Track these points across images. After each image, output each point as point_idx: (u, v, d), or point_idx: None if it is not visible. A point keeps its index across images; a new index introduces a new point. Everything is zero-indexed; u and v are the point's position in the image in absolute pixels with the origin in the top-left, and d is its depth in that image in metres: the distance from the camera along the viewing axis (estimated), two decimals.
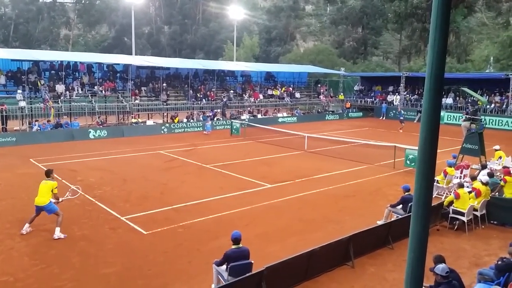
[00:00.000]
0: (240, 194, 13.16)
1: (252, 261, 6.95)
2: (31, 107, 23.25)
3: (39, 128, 22.50)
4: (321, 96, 40.14)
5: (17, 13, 63.93)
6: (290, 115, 34.97)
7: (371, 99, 40.58)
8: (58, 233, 9.45)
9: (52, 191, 9.55)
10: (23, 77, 25.22)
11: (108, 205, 11.66)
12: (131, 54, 38.94)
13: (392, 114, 36.59)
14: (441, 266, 5.87)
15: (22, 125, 22.96)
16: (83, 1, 70.85)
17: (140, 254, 8.71)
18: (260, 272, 6.78)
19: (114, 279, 7.68)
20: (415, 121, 33.77)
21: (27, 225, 9.72)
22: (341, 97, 41.39)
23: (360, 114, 38.80)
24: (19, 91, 23.62)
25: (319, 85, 43.03)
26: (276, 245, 9.20)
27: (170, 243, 9.30)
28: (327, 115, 36.74)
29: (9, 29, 63.37)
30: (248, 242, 7.28)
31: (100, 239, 9.44)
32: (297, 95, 38.62)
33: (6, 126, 22.24)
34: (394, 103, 38.13)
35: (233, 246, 6.97)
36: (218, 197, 12.70)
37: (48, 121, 23.19)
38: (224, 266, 6.96)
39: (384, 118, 36.73)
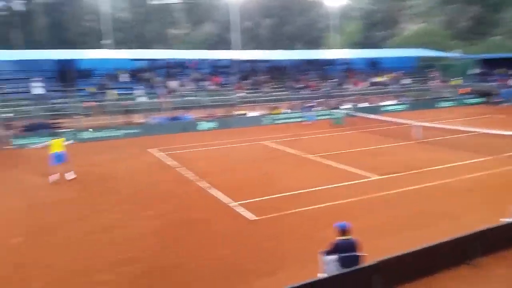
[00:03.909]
0: (346, 185, 12.86)
1: (363, 254, 6.75)
2: (149, 102, 25.73)
3: (156, 121, 24.82)
4: (432, 82, 37.05)
5: (132, 16, 70.93)
6: (397, 103, 32.99)
7: (491, 83, 36.15)
8: (71, 175, 14.04)
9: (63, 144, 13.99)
10: (141, 75, 27.98)
11: (221, 191, 12.35)
12: (234, 49, 40.49)
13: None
14: None
15: (143, 118, 25.57)
16: (188, 1, 75.65)
17: (250, 239, 9.06)
18: (371, 266, 6.56)
19: (226, 261, 8.10)
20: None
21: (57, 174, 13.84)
22: (455, 82, 37.63)
23: (478, 100, 34.93)
24: (139, 88, 26.29)
25: (429, 70, 39.73)
26: (386, 239, 8.80)
27: (278, 230, 9.50)
28: (439, 102, 33.96)
29: (127, 31, 70.59)
30: (356, 234, 7.07)
31: (214, 223, 10.07)
32: (405, 81, 36.22)
33: (130, 119, 25.00)
34: None
35: (341, 237, 6.84)
36: (324, 187, 12.59)
37: (164, 113, 25.46)
38: (332, 257, 6.85)
39: (507, 104, 32.44)
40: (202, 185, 13.16)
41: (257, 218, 10.20)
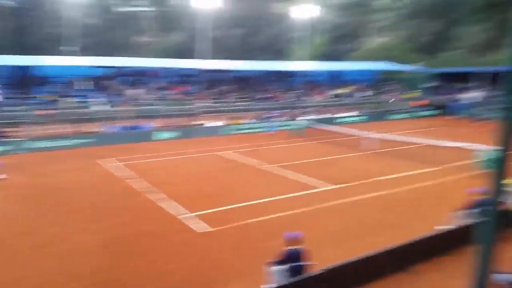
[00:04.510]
0: (300, 195, 13.10)
1: (310, 263, 6.88)
2: (110, 110, 25.18)
3: (113, 130, 24.25)
4: (391, 94, 38.48)
5: (101, 22, 69.65)
6: (356, 114, 33.95)
7: (445, 96, 37.99)
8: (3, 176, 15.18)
9: None
10: (103, 82, 27.42)
11: (173, 203, 12.26)
12: (200, 58, 40.47)
13: (468, 113, 34.03)
14: (503, 275, 5.47)
15: (99, 127, 24.91)
16: (158, 9, 75.16)
17: (202, 251, 9.06)
18: (318, 274, 6.73)
19: (177, 275, 8.04)
20: (488, 120, 31.00)
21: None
22: (413, 94, 39.24)
23: (433, 112, 36.52)
24: (98, 95, 25.73)
25: (389, 83, 41.27)
26: (335, 248, 9.03)
27: (230, 241, 9.55)
28: (395, 114, 35.16)
29: (94, 37, 69.10)
30: (306, 243, 7.23)
31: (166, 235, 9.97)
32: (365, 93, 37.42)
33: (85, 128, 24.25)
34: (473, 101, 35.37)
35: (291, 247, 6.94)
36: (278, 197, 12.77)
37: (125, 122, 24.95)
38: (281, 267, 6.93)
39: (459, 116, 34.17)
40: (156, 197, 13.00)
41: (210, 229, 10.20)
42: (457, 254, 8.50)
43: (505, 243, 8.88)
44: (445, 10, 56.05)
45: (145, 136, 24.33)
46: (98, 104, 25.27)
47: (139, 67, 30.90)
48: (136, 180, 15.14)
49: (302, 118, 29.66)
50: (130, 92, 27.74)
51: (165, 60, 37.84)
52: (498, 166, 2.80)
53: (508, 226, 9.58)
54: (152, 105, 27.36)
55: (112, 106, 25.82)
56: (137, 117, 25.80)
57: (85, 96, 26.06)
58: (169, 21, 75.17)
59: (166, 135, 24.97)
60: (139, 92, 28.08)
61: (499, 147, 2.76)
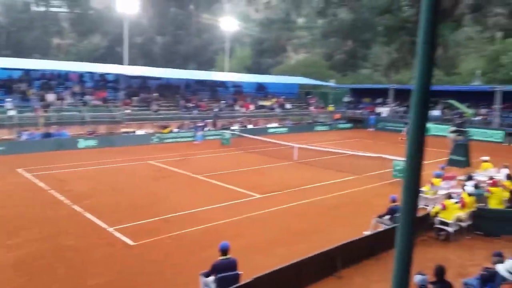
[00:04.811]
0: (229, 204, 13.17)
1: (240, 272, 6.96)
2: (20, 116, 23.07)
3: (26, 138, 22.29)
4: (311, 107, 40.51)
5: (9, 21, 63.72)
6: (280, 125, 35.12)
7: (360, 111, 41.10)
8: None
9: None
10: (13, 85, 25.05)
11: (97, 215, 11.60)
12: (123, 64, 38.94)
13: (380, 126, 37.16)
14: (418, 277, 6.03)
15: (11, 134, 22.76)
16: (76, 11, 70.88)
17: (128, 265, 8.68)
18: (247, 283, 6.78)
19: None
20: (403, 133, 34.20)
21: None
22: (331, 108, 41.80)
23: (349, 125, 39.17)
24: (9, 100, 23.47)
25: (309, 97, 43.50)
26: (264, 256, 9.21)
27: (158, 254, 9.27)
28: (316, 126, 37.02)
29: (1, 37, 63.03)
30: (236, 253, 7.30)
31: (88, 250, 9.38)
32: (288, 106, 38.92)
33: None
34: (384, 115, 38.71)
35: (221, 257, 6.98)
36: (207, 207, 12.71)
37: (37, 129, 23.01)
38: (212, 277, 6.94)
39: (372, 129, 37.18)
40: (76, 209, 12.19)
41: (135, 243, 9.80)
42: (379, 258, 9.19)
43: (422, 246, 9.88)
44: (355, 32, 60.78)
45: (67, 144, 22.70)
46: (11, 109, 23.03)
47: (56, 70, 28.80)
48: (57, 190, 14.07)
49: (228, 128, 29.91)
50: (44, 96, 25.71)
51: (84, 64, 35.79)
52: (406, 175, 3.13)
53: (427, 230, 10.68)
54: (71, 111, 25.64)
55: (23, 111, 23.70)
56: (54, 123, 23.97)
57: None
58: (89, 24, 71.39)
59: (88, 143, 23.54)
60: (57, 96, 26.15)
61: (406, 158, 3.09)
